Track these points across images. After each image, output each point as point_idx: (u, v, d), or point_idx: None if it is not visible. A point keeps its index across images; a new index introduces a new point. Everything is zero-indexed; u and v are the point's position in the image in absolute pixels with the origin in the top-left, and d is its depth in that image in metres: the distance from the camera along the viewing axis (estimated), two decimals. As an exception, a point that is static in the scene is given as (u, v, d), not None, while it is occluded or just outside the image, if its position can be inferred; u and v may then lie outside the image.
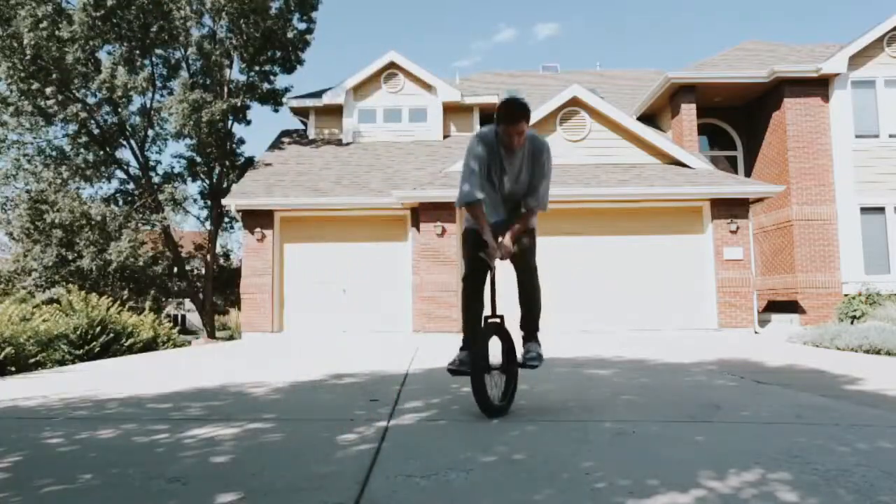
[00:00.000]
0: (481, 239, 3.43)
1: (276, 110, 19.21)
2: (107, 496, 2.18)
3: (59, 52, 14.94)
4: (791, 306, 13.32)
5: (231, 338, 17.85)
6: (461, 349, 3.57)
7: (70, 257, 15.42)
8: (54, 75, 15.20)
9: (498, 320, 3.50)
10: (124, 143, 17.81)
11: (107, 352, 8.69)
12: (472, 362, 3.33)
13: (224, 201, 13.42)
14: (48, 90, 15.21)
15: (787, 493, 2.10)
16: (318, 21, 18.80)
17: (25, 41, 14.37)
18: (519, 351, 3.63)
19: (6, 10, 14.46)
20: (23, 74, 14.91)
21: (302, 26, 18.26)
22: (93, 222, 15.49)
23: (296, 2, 17.48)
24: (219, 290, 19.19)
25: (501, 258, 3.43)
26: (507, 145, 3.39)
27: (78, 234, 15.44)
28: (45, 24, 14.58)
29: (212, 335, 17.52)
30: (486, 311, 3.54)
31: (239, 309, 15.84)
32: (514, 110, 3.28)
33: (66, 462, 2.64)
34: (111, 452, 2.79)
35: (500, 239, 3.46)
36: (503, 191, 3.55)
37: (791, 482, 2.22)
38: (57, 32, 14.81)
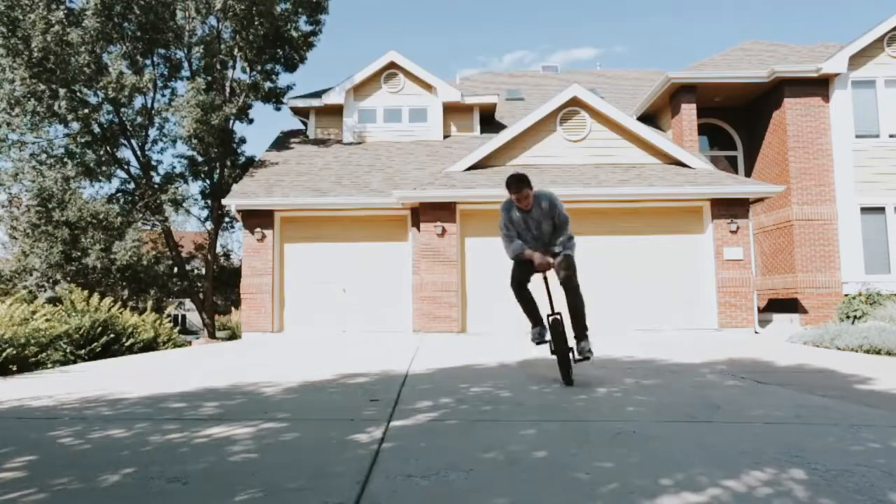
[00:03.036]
0: (527, 263, 4.72)
1: (278, 109, 19.21)
2: (124, 495, 2.18)
3: (67, 54, 14.96)
4: (791, 306, 13.32)
5: (231, 338, 17.86)
6: (532, 328, 4.91)
7: (74, 255, 15.42)
8: (59, 76, 15.21)
9: (558, 317, 4.68)
10: (125, 142, 17.82)
11: (107, 352, 8.69)
12: (555, 343, 4.70)
13: (224, 201, 13.43)
14: (61, 91, 15.22)
15: (787, 493, 2.11)
16: (325, 23, 18.63)
17: (34, 44, 14.39)
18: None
19: (16, 14, 14.47)
20: (29, 75, 14.93)
21: (308, 28, 18.27)
22: (99, 221, 15.50)
23: (303, 3, 17.48)
24: (219, 290, 19.20)
25: (541, 269, 4.69)
26: (520, 207, 4.71)
27: (84, 232, 15.45)
28: (56, 28, 14.60)
29: (212, 335, 17.53)
30: (547, 310, 4.73)
31: (239, 309, 15.85)
32: (514, 183, 4.59)
33: (82, 461, 2.64)
34: (127, 451, 2.79)
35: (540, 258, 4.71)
36: (533, 238, 4.81)
37: (791, 482, 2.22)
38: (66, 37, 14.83)
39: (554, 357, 4.79)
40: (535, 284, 4.85)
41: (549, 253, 4.72)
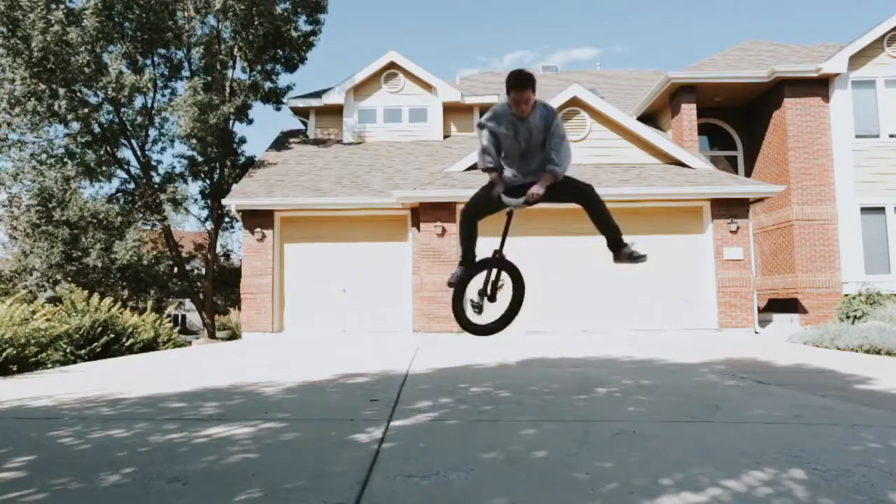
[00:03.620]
0: (489, 189, 3.90)
1: (278, 109, 19.21)
2: (124, 495, 2.19)
3: (66, 54, 14.96)
4: (791, 306, 13.32)
5: (231, 338, 17.86)
6: (459, 266, 4.16)
7: (74, 255, 15.43)
8: (59, 75, 15.21)
9: (501, 256, 4.06)
10: (125, 142, 17.81)
11: (107, 352, 8.69)
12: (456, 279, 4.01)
13: (224, 201, 13.42)
14: (61, 91, 15.22)
15: (787, 493, 2.11)
16: (325, 23, 18.63)
17: (34, 44, 14.39)
18: None
19: (16, 13, 14.47)
20: (30, 75, 14.93)
21: (308, 28, 18.27)
22: (99, 221, 15.50)
23: (303, 3, 17.48)
24: (219, 290, 19.18)
25: (529, 203, 3.79)
26: (518, 111, 3.73)
27: (84, 232, 15.45)
28: (56, 27, 14.60)
29: (212, 335, 17.53)
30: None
31: (239, 309, 15.84)
32: (521, 78, 3.62)
33: (82, 461, 2.65)
34: (127, 451, 2.79)
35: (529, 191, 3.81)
36: (515, 151, 3.88)
37: (791, 482, 2.22)
38: (65, 37, 14.82)
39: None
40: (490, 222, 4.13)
41: (548, 177, 3.82)
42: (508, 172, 3.97)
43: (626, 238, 4.15)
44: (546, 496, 2.10)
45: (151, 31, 16.45)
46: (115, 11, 15.55)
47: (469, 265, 4.14)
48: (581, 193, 3.97)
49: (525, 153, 3.89)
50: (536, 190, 3.73)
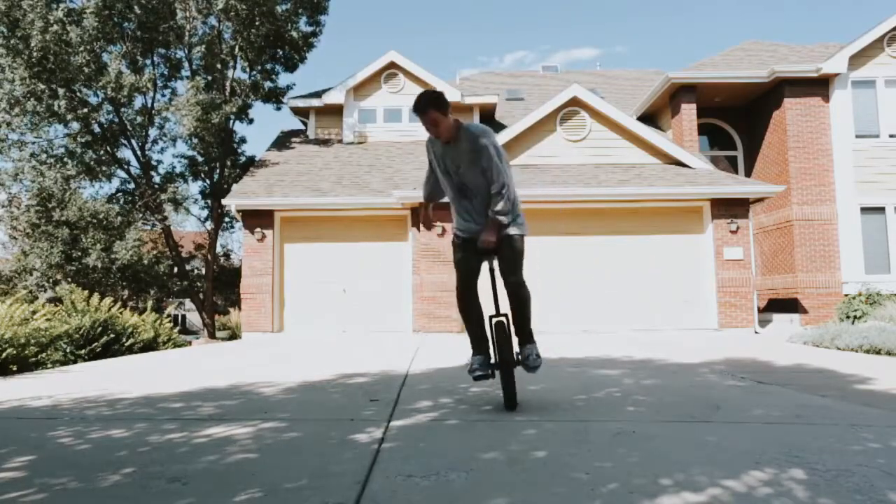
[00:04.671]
0: (465, 241, 3.53)
1: (279, 108, 19.23)
2: (124, 495, 2.18)
3: (66, 53, 14.95)
4: (791, 306, 13.32)
5: (231, 338, 17.86)
6: (473, 355, 3.61)
7: (74, 255, 15.43)
8: (59, 75, 15.21)
9: (504, 319, 3.50)
10: (125, 142, 17.82)
11: (107, 352, 8.69)
12: (502, 361, 3.46)
13: (224, 201, 13.42)
14: (60, 91, 15.22)
15: (787, 493, 2.11)
16: (325, 24, 18.66)
17: (33, 43, 14.38)
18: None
19: (15, 13, 14.46)
20: (29, 75, 14.92)
21: (308, 29, 18.28)
22: (99, 221, 15.49)
23: (304, 4, 17.49)
24: (219, 290, 19.19)
25: (481, 251, 3.45)
26: (435, 136, 3.44)
27: (84, 232, 15.45)
28: (55, 27, 14.59)
29: (212, 335, 17.53)
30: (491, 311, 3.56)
31: (239, 309, 15.84)
32: (417, 102, 3.31)
33: (82, 461, 2.64)
34: (127, 451, 2.79)
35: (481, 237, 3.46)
36: (456, 191, 3.56)
37: (791, 482, 2.22)
38: (65, 36, 14.82)
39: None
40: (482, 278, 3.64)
41: (492, 224, 3.39)
42: (460, 222, 3.57)
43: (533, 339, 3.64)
44: (546, 496, 2.10)
45: (152, 30, 16.45)
46: (115, 11, 15.54)
47: (486, 352, 3.58)
48: (511, 275, 3.48)
49: (460, 190, 3.52)
50: (486, 237, 3.37)
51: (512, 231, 3.47)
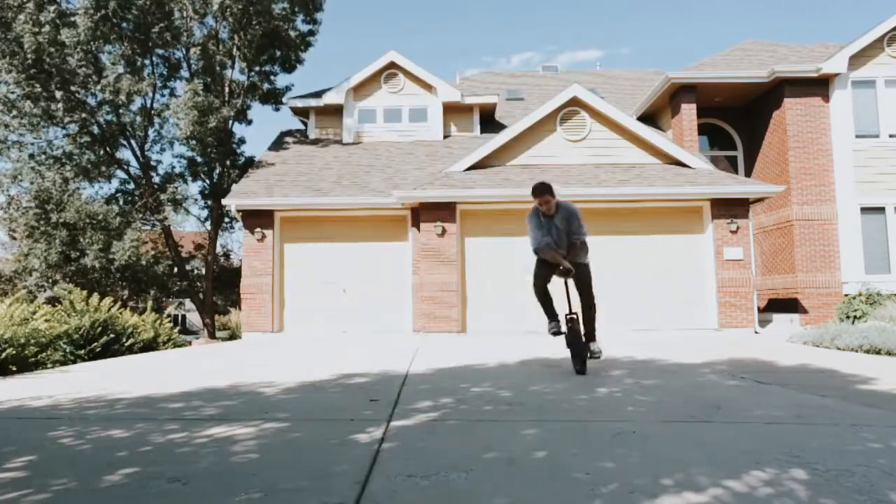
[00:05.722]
0: (553, 263, 5.43)
1: (277, 109, 19.22)
2: (124, 495, 2.18)
3: (61, 55, 14.94)
4: (792, 306, 13.32)
5: (231, 338, 17.86)
6: (549, 322, 5.71)
7: (73, 256, 15.42)
8: (56, 78, 15.20)
9: (574, 316, 5.44)
10: (125, 143, 17.81)
11: (107, 352, 8.69)
12: (571, 340, 5.53)
13: (224, 201, 13.42)
14: (57, 94, 15.21)
15: (788, 493, 2.10)
16: (322, 22, 18.67)
17: (26, 45, 14.35)
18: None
19: (7, 14, 14.44)
20: (24, 77, 14.90)
21: (305, 28, 18.27)
22: (98, 222, 15.49)
23: (300, 2, 17.48)
24: (219, 290, 19.19)
25: (565, 275, 5.40)
26: (543, 212, 5.41)
27: (82, 233, 15.44)
28: (48, 28, 14.56)
29: (212, 335, 17.53)
30: (566, 310, 5.54)
31: (239, 309, 15.84)
32: (536, 189, 5.34)
33: (82, 461, 2.64)
34: (127, 451, 2.79)
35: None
36: (554, 243, 5.41)
37: (792, 482, 2.22)
38: (59, 37, 14.79)
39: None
40: (555, 285, 5.57)
41: (568, 260, 5.37)
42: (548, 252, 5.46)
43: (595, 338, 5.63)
44: (546, 496, 2.10)
45: (149, 31, 16.43)
46: (108, 11, 15.48)
47: (556, 319, 5.70)
48: (586, 288, 5.55)
49: (557, 243, 5.41)
50: (566, 265, 5.31)
51: (585, 261, 5.55)
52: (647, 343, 9.26)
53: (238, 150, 18.88)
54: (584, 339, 5.49)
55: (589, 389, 4.54)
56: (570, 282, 5.50)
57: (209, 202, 18.58)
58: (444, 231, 12.17)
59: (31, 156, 16.33)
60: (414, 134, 15.95)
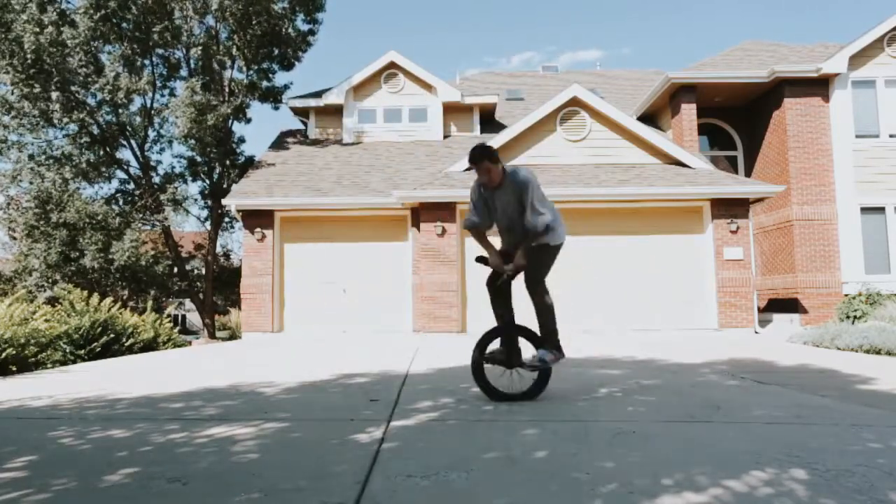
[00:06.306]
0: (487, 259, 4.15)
1: (276, 108, 19.20)
2: (124, 495, 2.18)
3: (61, 55, 14.93)
4: (791, 306, 13.32)
5: (231, 338, 17.86)
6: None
7: (73, 256, 15.42)
8: (56, 78, 15.19)
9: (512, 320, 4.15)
10: (124, 143, 17.81)
11: (107, 352, 8.69)
12: (473, 356, 4.07)
13: (224, 201, 13.42)
14: (53, 95, 15.21)
15: (788, 493, 2.10)
16: (323, 22, 18.67)
17: (26, 45, 14.34)
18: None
19: (7, 15, 14.43)
20: (24, 77, 14.90)
21: (305, 27, 18.27)
22: (97, 222, 15.48)
23: (300, 1, 17.47)
24: (219, 290, 19.18)
25: (511, 274, 4.02)
26: (484, 183, 4.04)
27: (82, 233, 15.44)
28: (49, 29, 14.55)
29: (212, 335, 17.53)
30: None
31: (239, 309, 15.84)
32: (472, 155, 3.96)
33: (82, 461, 2.64)
34: (127, 451, 2.79)
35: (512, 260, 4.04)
36: (502, 221, 4.12)
37: (792, 482, 2.22)
38: (59, 38, 14.79)
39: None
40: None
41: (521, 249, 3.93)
42: (503, 244, 4.21)
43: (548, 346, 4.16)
44: (546, 496, 2.10)
45: (149, 31, 16.43)
46: (108, 11, 15.48)
47: (495, 331, 4.20)
48: (527, 278, 4.09)
49: (509, 228, 4.09)
50: (517, 262, 3.96)
51: (533, 242, 4.01)
52: (647, 343, 9.26)
53: (238, 150, 18.87)
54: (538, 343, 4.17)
55: (589, 389, 4.54)
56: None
57: (209, 202, 18.58)
58: (444, 231, 12.17)
59: (31, 156, 16.32)
60: (414, 134, 15.94)
